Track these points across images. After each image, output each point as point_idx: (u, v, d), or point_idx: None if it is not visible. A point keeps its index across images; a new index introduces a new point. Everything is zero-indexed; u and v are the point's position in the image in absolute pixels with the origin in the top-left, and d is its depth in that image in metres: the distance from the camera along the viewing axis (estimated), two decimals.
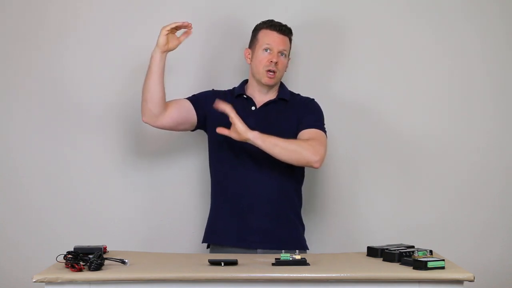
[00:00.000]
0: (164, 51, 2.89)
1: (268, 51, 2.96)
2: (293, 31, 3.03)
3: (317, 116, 3.00)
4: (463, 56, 3.36)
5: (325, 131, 2.95)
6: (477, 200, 3.36)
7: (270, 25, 2.99)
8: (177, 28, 2.90)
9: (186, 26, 2.91)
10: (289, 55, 3.03)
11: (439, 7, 3.36)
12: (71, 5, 3.29)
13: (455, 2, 3.36)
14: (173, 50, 2.92)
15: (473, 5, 3.36)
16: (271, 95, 3.04)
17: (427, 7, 3.35)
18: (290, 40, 3.02)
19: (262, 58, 2.96)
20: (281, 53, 2.96)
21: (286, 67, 3.03)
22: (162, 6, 3.28)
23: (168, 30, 2.87)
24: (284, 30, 2.98)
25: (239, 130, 2.77)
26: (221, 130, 2.81)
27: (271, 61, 2.94)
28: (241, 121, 2.78)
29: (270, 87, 3.00)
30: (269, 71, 2.95)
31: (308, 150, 2.82)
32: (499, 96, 3.37)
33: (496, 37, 3.36)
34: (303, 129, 2.92)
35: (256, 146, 2.79)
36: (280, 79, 3.01)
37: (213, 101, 3.00)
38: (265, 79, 2.96)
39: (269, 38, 2.97)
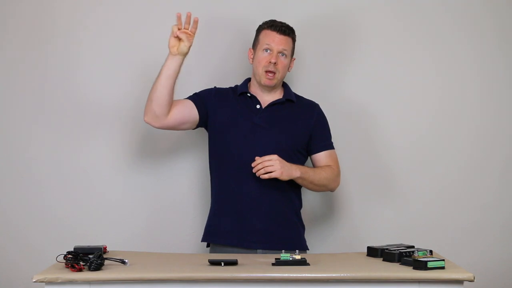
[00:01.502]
0: (175, 54, 2.87)
1: (268, 51, 2.96)
2: (297, 32, 3.02)
3: (328, 131, 3.07)
4: (463, 57, 3.37)
5: (333, 146, 3.05)
6: (477, 200, 3.36)
7: (271, 25, 2.98)
8: (181, 28, 2.85)
9: (186, 18, 2.86)
10: (292, 55, 3.03)
11: (441, 12, 3.36)
12: (80, 5, 3.29)
13: (455, 6, 3.37)
14: (186, 51, 2.86)
15: (474, 13, 3.38)
16: (277, 95, 3.04)
17: (432, 11, 3.36)
18: (293, 39, 3.01)
19: (262, 58, 2.96)
20: (281, 53, 2.96)
21: (289, 67, 3.03)
22: (167, 6, 3.28)
23: (176, 33, 2.84)
24: (285, 30, 2.97)
25: (285, 177, 2.84)
26: (263, 177, 2.82)
27: (270, 62, 2.94)
28: (283, 170, 2.82)
29: (271, 88, 3.00)
30: (268, 72, 2.95)
31: (334, 181, 3.01)
32: (498, 97, 3.37)
33: (490, 43, 3.38)
34: (319, 151, 3.02)
35: (297, 182, 2.93)
36: (281, 79, 3.01)
37: (216, 99, 3.01)
38: (264, 80, 2.96)
39: (269, 38, 2.96)
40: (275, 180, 2.85)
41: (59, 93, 3.27)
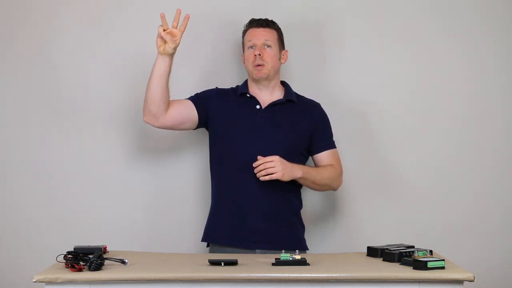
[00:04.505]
0: (162, 54, 2.86)
1: (253, 47, 2.98)
2: (292, 29, 3.04)
3: (329, 131, 3.07)
4: (462, 57, 3.37)
5: (335, 145, 3.06)
6: (477, 200, 3.36)
7: (249, 23, 3.03)
8: (166, 29, 2.82)
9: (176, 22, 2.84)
10: (281, 46, 3.04)
11: (439, 6, 3.36)
12: (80, 6, 3.29)
13: (454, 1, 3.37)
14: (170, 52, 2.84)
15: (473, 3, 3.37)
16: (277, 96, 3.04)
17: (427, 6, 3.35)
18: (277, 30, 3.03)
19: (248, 55, 2.99)
20: (265, 45, 2.98)
21: (282, 59, 3.04)
22: (165, 5, 3.27)
23: (160, 34, 2.82)
24: (262, 23, 3.00)
25: (287, 178, 2.84)
26: (264, 178, 2.82)
27: (255, 55, 2.95)
28: (285, 171, 2.82)
29: (266, 81, 3.00)
30: (257, 65, 2.96)
31: (336, 181, 3.04)
32: (496, 97, 3.37)
33: (486, 41, 3.37)
34: (321, 150, 3.03)
35: (299, 182, 2.93)
36: (273, 70, 3.00)
37: (217, 100, 3.02)
38: (255, 73, 2.98)
39: (251, 35, 3.00)
40: (276, 180, 2.85)
41: (57, 93, 3.27)
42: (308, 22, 3.32)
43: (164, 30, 2.82)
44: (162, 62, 2.86)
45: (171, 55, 2.86)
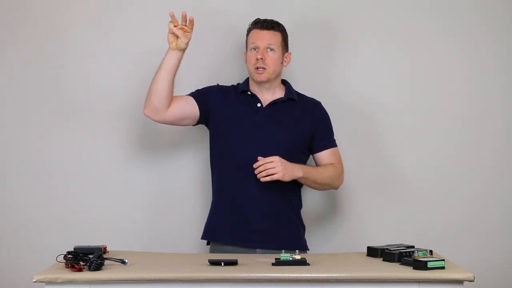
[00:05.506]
0: (174, 49, 2.87)
1: (256, 49, 2.97)
2: (294, 29, 3.02)
3: (330, 130, 3.06)
4: (462, 57, 3.36)
5: (336, 144, 3.05)
6: (477, 200, 3.36)
7: (255, 23, 3.01)
8: (177, 25, 2.85)
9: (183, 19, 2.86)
10: (284, 49, 3.02)
11: (439, 6, 3.36)
12: (74, 4, 3.29)
13: (454, 1, 3.37)
14: (183, 47, 2.87)
15: (474, 4, 3.37)
16: (278, 94, 3.04)
17: (427, 6, 3.36)
18: (282, 33, 3.01)
19: (250, 57, 2.98)
20: (268, 48, 2.96)
21: (285, 61, 3.03)
22: (165, 5, 3.28)
23: (172, 30, 2.85)
24: (267, 26, 2.98)
25: (287, 178, 2.83)
26: (265, 179, 2.82)
27: (257, 58, 2.95)
28: (285, 172, 2.81)
29: (267, 84, 2.99)
30: (258, 68, 2.95)
31: (337, 179, 3.03)
32: (496, 97, 3.37)
33: (485, 41, 3.37)
34: (322, 149, 3.02)
35: (299, 181, 2.93)
36: (274, 74, 2.99)
37: (217, 96, 3.01)
38: (256, 76, 2.97)
39: (254, 36, 2.98)
40: (276, 180, 2.84)
41: (56, 91, 3.27)
42: (308, 23, 3.32)
43: (175, 26, 2.84)
44: (174, 56, 2.88)
45: (183, 50, 2.88)
